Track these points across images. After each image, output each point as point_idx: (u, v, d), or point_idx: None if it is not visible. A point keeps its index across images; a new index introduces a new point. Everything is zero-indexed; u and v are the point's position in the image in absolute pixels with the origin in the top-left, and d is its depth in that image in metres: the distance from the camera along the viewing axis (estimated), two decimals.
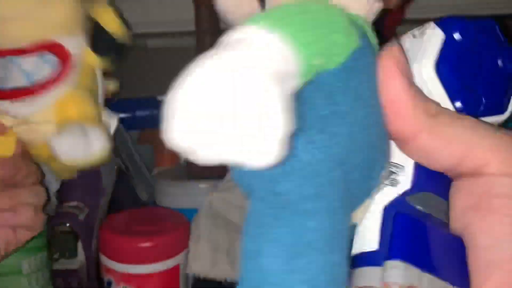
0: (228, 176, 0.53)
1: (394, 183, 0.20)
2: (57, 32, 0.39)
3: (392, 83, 0.19)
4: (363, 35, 0.19)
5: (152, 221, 0.48)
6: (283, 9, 0.16)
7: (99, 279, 0.49)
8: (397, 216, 0.19)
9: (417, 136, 0.19)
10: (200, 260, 0.45)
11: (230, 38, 0.15)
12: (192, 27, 0.58)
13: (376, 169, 0.19)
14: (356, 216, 0.20)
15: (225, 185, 0.52)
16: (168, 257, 0.46)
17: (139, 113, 0.60)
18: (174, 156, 0.65)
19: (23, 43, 0.39)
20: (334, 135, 0.16)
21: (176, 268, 0.46)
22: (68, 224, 0.47)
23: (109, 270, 0.46)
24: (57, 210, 0.48)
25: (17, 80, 0.39)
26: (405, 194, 0.20)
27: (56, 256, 0.47)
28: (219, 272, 0.45)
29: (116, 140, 0.53)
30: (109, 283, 0.46)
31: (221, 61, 0.14)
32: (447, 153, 0.19)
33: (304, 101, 0.16)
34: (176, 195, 0.54)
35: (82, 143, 0.37)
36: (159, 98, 0.60)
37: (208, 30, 0.55)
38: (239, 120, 0.13)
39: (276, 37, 0.15)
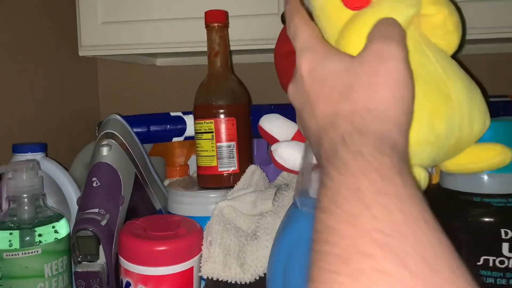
0: (236, 187, 0.57)
1: None
2: None
3: None
4: None
5: (167, 227, 0.51)
6: None
7: (118, 280, 0.51)
8: None
9: None
10: (212, 263, 0.48)
11: None
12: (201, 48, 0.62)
13: None
14: None
15: (233, 194, 0.55)
16: (183, 260, 0.48)
17: (153, 127, 0.62)
18: (183, 168, 0.69)
19: None
20: None
21: (190, 270, 0.49)
22: (90, 229, 0.49)
23: (127, 272, 0.48)
24: (80, 216, 0.51)
25: None
26: None
27: (79, 259, 0.50)
28: (229, 274, 0.48)
29: (134, 152, 0.56)
30: (128, 284, 0.48)
31: None
32: None
33: None
34: (188, 204, 0.57)
35: None
36: (172, 114, 0.63)
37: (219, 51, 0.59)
38: None
39: None
